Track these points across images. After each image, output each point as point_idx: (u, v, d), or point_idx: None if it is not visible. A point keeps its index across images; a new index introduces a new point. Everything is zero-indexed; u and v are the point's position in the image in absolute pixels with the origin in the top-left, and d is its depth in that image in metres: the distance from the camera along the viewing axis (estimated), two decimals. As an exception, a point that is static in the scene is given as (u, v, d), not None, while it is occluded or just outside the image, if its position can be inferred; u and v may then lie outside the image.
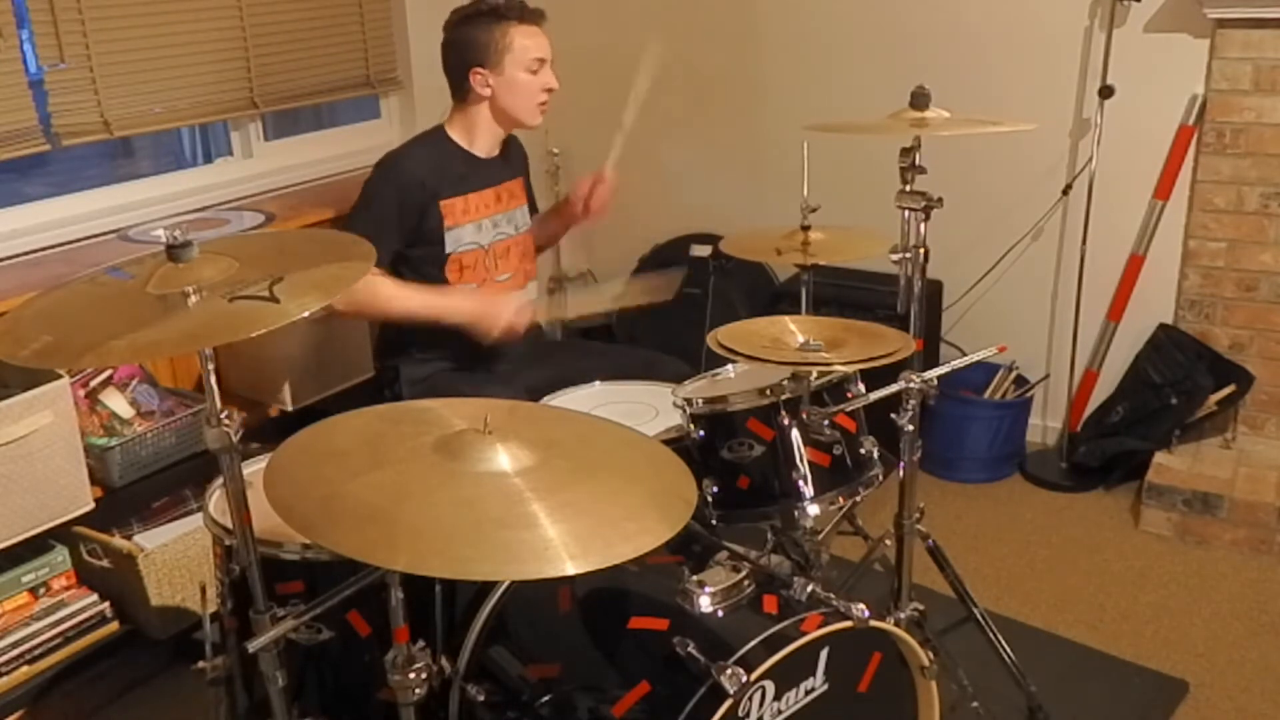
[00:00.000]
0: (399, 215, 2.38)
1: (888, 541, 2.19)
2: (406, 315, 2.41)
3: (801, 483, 1.92)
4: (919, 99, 2.09)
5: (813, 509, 1.93)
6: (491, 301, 2.41)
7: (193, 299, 1.35)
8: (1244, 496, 2.90)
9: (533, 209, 2.72)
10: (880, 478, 2.03)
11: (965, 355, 2.04)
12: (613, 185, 2.58)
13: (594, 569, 1.17)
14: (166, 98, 3.00)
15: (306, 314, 1.35)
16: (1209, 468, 3.05)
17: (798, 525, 1.98)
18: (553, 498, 1.26)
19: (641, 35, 3.79)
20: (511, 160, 2.60)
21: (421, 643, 1.41)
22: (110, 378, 2.63)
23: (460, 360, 2.51)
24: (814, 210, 2.40)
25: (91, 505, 2.41)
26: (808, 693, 1.52)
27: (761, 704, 1.46)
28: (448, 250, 2.44)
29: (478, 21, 2.40)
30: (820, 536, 2.15)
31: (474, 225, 2.47)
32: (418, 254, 2.43)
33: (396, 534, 1.20)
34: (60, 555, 2.47)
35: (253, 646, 1.42)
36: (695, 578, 1.56)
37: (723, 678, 1.37)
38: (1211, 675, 2.43)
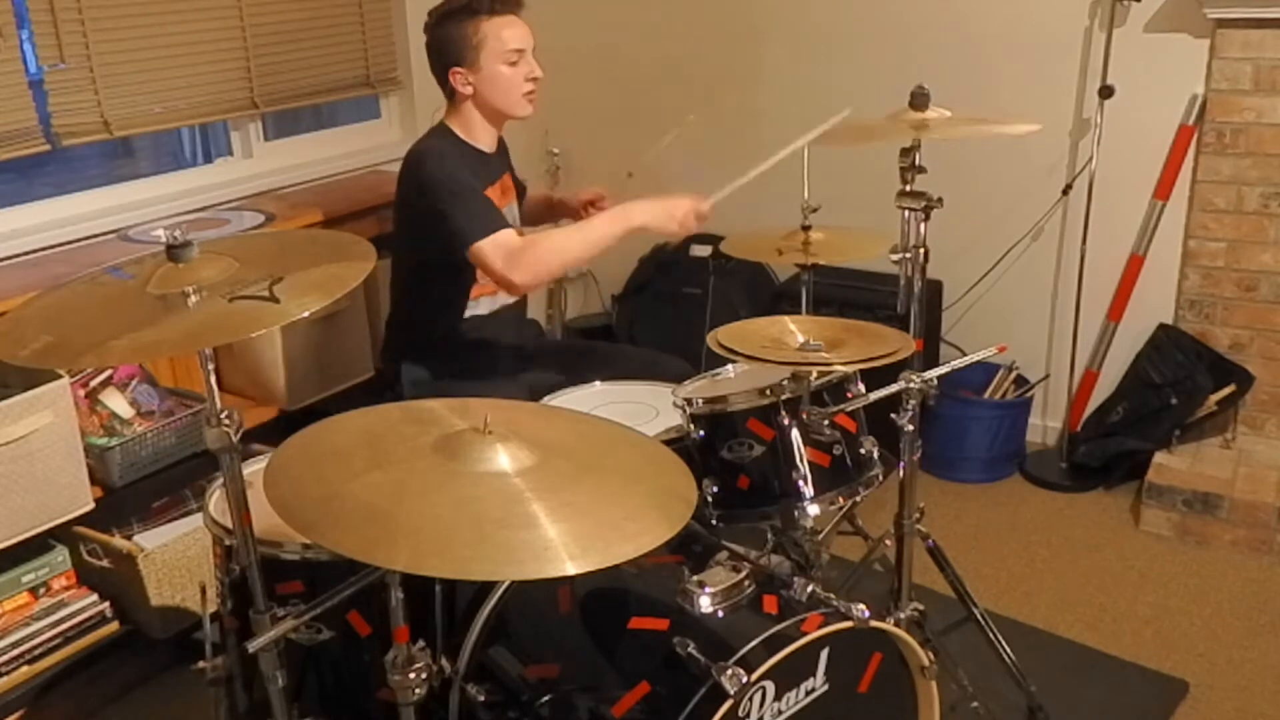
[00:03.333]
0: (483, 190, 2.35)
1: (888, 541, 2.19)
2: (598, 250, 2.25)
3: (801, 483, 1.92)
4: (919, 99, 2.09)
5: (813, 509, 1.93)
6: (669, 202, 2.26)
7: (193, 299, 1.35)
8: (1244, 496, 2.90)
9: (522, 190, 2.70)
10: (880, 478, 2.03)
11: (965, 355, 2.04)
12: (706, 216, 2.34)
13: (594, 569, 1.17)
14: (166, 98, 3.00)
15: (306, 314, 1.34)
16: (1209, 468, 3.05)
17: (798, 525, 1.98)
18: (553, 498, 1.26)
19: (643, 36, 3.81)
20: (504, 155, 2.60)
21: (421, 643, 1.41)
22: (110, 378, 2.63)
23: (462, 360, 2.51)
24: (814, 210, 2.40)
25: (91, 505, 2.41)
26: (808, 693, 1.52)
27: (762, 704, 1.46)
28: None
29: (450, 20, 2.37)
30: (820, 536, 2.15)
31: None
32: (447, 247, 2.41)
33: (396, 534, 1.19)
34: (60, 555, 2.47)
35: (253, 646, 1.42)
36: (695, 578, 1.56)
37: (723, 678, 1.37)
38: (1211, 675, 2.43)
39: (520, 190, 2.69)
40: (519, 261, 2.21)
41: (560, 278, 2.27)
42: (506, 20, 2.37)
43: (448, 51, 2.39)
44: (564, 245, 2.25)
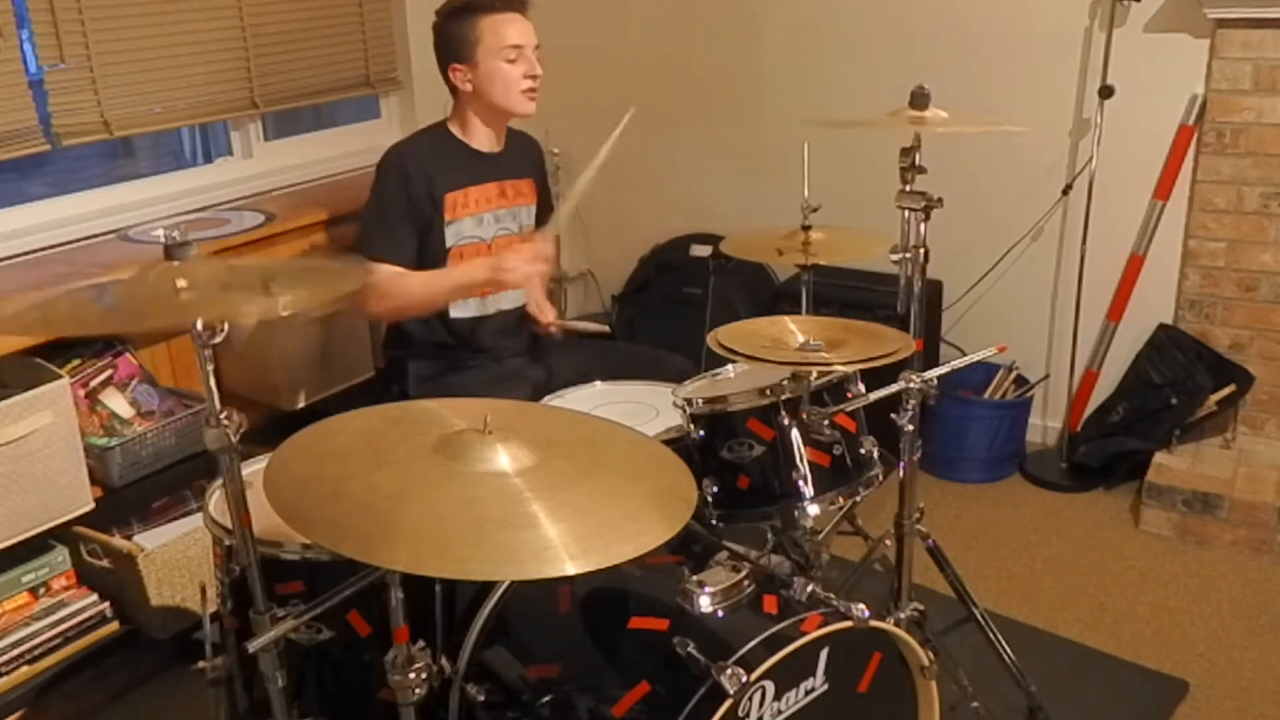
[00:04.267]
0: (410, 211, 2.39)
1: (888, 541, 2.19)
2: (437, 298, 2.43)
3: (801, 483, 1.92)
4: (919, 99, 2.09)
5: (813, 509, 1.93)
6: (502, 257, 2.37)
7: (184, 294, 1.34)
8: (1244, 496, 2.90)
9: (546, 213, 2.70)
10: (880, 478, 2.03)
11: (965, 355, 2.04)
12: (556, 243, 2.46)
13: (594, 569, 1.17)
14: (166, 98, 3.00)
15: (297, 308, 1.34)
16: (1209, 468, 3.05)
17: (798, 525, 1.98)
18: (553, 498, 1.26)
19: (643, 36, 3.82)
20: (518, 158, 2.59)
21: (421, 643, 1.41)
22: (110, 378, 2.63)
23: (464, 359, 2.52)
24: (814, 210, 2.40)
25: (91, 505, 2.41)
26: (808, 693, 1.52)
27: (761, 704, 1.46)
28: (449, 244, 2.45)
29: (452, 17, 2.39)
30: (820, 536, 2.15)
31: (474, 219, 2.47)
32: (422, 245, 2.43)
33: (396, 534, 1.19)
34: (60, 555, 2.47)
35: (253, 646, 1.42)
36: (695, 578, 1.56)
37: (723, 678, 1.37)
38: (1211, 675, 2.43)
39: (545, 211, 2.66)
40: (371, 292, 2.36)
41: (403, 317, 2.52)
42: (506, 17, 2.38)
43: (448, 48, 2.40)
44: (402, 290, 2.39)
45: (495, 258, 2.38)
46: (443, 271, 2.44)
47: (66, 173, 4.57)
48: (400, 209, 2.38)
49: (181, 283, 1.33)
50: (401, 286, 2.38)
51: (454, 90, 2.45)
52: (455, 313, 2.50)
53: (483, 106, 2.44)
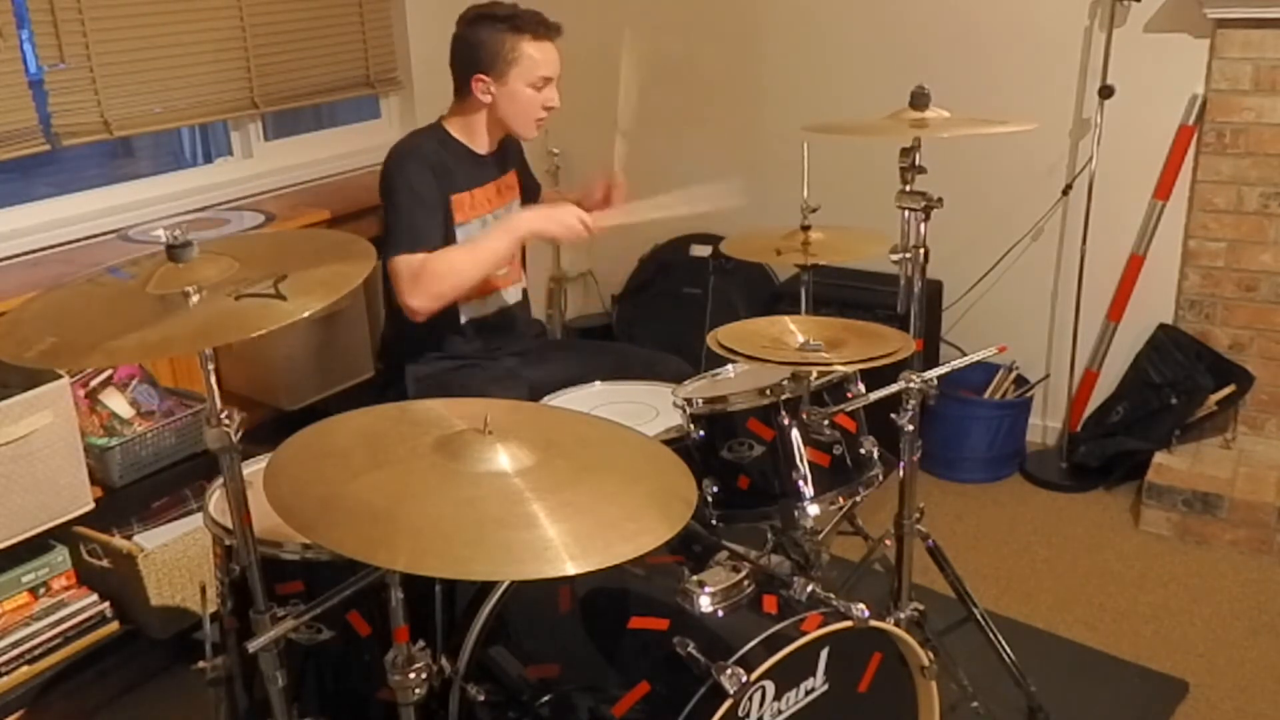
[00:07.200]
0: (440, 203, 2.36)
1: (888, 541, 2.19)
2: (491, 265, 2.36)
3: (801, 483, 1.92)
4: (919, 99, 2.09)
5: (813, 509, 1.93)
6: (553, 209, 2.38)
7: (194, 299, 1.34)
8: (1244, 496, 2.90)
9: (534, 191, 2.70)
10: (880, 478, 2.03)
11: (965, 355, 2.04)
12: (622, 188, 2.55)
13: (594, 569, 1.17)
14: (166, 98, 3.00)
15: (314, 310, 1.34)
16: (1209, 468, 3.05)
17: (798, 525, 1.98)
18: (553, 498, 1.26)
19: (642, 36, 3.81)
20: (507, 153, 2.59)
21: (421, 643, 1.41)
22: (110, 378, 2.63)
23: (463, 359, 2.51)
24: (814, 210, 2.40)
25: (91, 505, 2.41)
26: (808, 693, 1.52)
27: (762, 704, 1.46)
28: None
29: (491, 26, 2.35)
30: (820, 536, 2.15)
31: (479, 221, 2.47)
32: None
33: (396, 534, 1.20)
34: (60, 555, 2.47)
35: (253, 646, 1.42)
36: (695, 578, 1.56)
37: (723, 678, 1.37)
38: (1211, 675, 2.43)
39: (531, 191, 2.68)
40: (417, 284, 2.26)
41: (456, 299, 2.39)
42: (544, 45, 2.37)
43: (478, 56, 2.36)
44: (455, 265, 2.30)
45: (550, 209, 2.38)
46: (487, 234, 2.38)
47: (67, 173, 4.57)
48: (433, 200, 2.34)
49: (190, 289, 1.33)
50: (444, 268, 2.29)
51: (466, 96, 2.41)
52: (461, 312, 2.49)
53: (492, 119, 2.43)
